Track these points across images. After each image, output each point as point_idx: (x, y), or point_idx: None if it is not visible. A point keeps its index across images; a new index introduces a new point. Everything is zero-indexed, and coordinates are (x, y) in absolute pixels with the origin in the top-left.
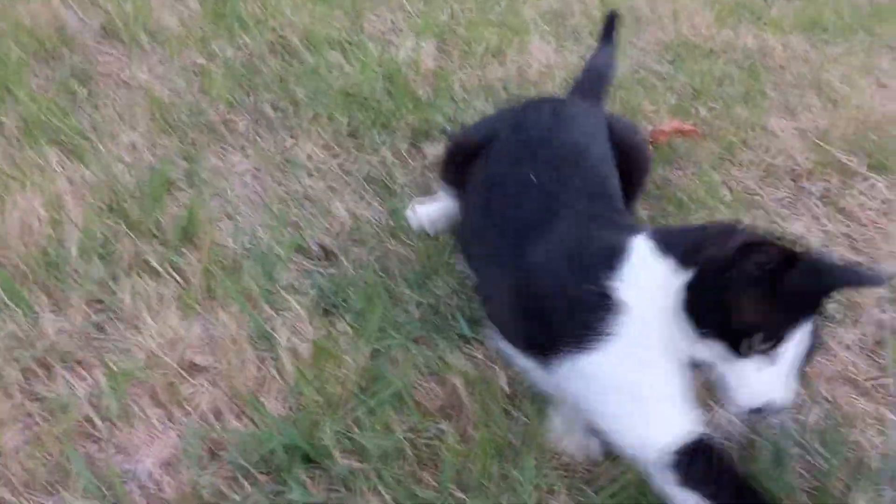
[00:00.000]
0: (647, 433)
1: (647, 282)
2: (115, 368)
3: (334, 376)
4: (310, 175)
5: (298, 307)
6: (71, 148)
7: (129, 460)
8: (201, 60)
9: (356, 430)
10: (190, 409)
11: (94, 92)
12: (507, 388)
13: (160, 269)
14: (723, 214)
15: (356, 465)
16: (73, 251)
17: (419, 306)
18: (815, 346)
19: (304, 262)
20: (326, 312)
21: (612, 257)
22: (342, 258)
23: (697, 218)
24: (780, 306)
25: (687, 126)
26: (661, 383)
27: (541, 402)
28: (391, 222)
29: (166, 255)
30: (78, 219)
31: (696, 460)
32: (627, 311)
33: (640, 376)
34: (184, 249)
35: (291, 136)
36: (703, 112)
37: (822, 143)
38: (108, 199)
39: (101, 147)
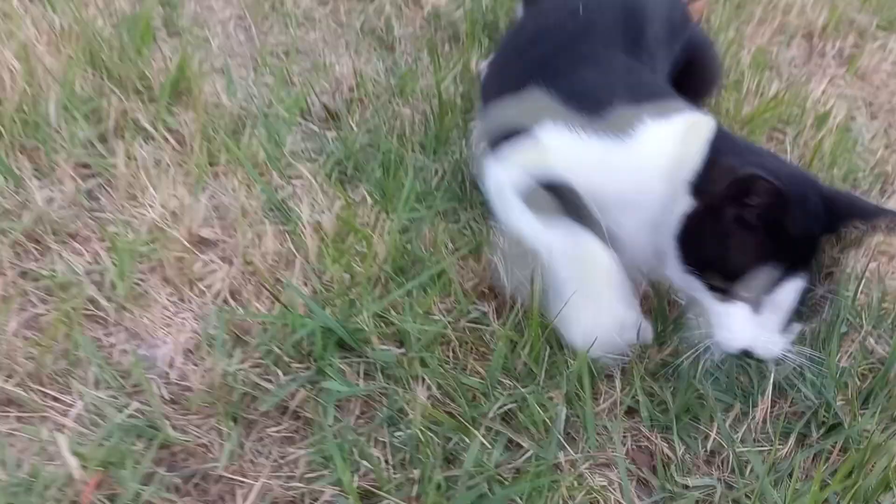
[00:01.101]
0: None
1: (672, 153)
2: (115, 243)
3: (361, 253)
4: (300, 25)
5: (310, 175)
6: None
7: (144, 346)
8: None
9: (394, 313)
10: (204, 288)
11: None
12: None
13: (152, 130)
14: (743, 78)
15: (397, 351)
16: (54, 109)
17: (436, 174)
18: (814, 311)
19: (308, 125)
20: (340, 181)
21: (661, 98)
22: (348, 120)
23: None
24: (769, 251)
25: None
26: None
27: None
28: (393, 80)
29: (158, 114)
30: (55, 71)
31: None
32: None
33: None
34: (175, 108)
35: None
36: None
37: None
38: (85, 50)
39: None
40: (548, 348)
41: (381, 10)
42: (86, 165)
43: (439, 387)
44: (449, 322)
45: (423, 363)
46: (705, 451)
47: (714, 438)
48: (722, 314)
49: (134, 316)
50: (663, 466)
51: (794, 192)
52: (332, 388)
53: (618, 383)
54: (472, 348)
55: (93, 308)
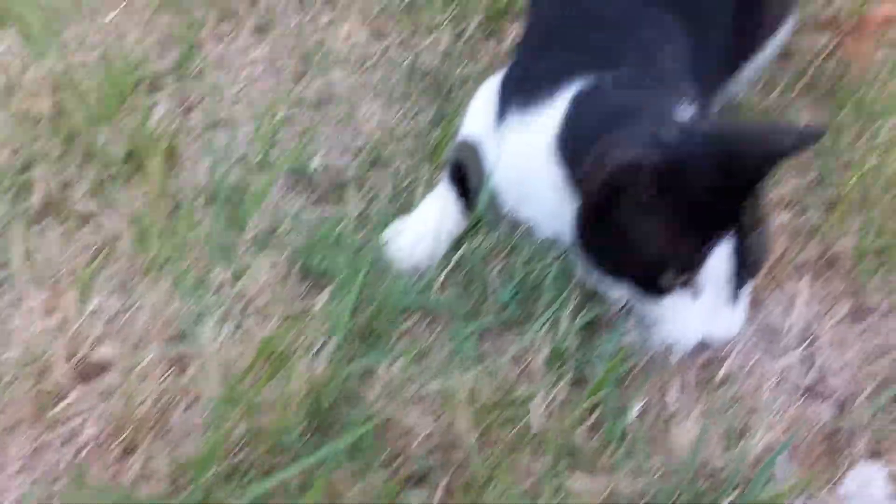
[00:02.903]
0: None
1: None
2: None
3: (274, 402)
4: (342, 65)
5: (261, 271)
6: None
7: None
8: None
9: None
10: (64, 437)
11: None
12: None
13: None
14: None
15: None
16: None
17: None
18: (757, 258)
19: (296, 197)
20: (305, 275)
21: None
22: (350, 191)
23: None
24: (683, 227)
25: None
26: None
27: None
28: (436, 134)
29: (104, 183)
30: None
31: None
32: None
33: None
34: (136, 177)
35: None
36: None
37: None
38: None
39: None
40: None
41: (438, 43)
42: None
43: None
44: None
45: None
46: None
47: None
48: (661, 313)
49: None
50: None
51: (683, 155)
52: None
53: None
54: None
55: None
